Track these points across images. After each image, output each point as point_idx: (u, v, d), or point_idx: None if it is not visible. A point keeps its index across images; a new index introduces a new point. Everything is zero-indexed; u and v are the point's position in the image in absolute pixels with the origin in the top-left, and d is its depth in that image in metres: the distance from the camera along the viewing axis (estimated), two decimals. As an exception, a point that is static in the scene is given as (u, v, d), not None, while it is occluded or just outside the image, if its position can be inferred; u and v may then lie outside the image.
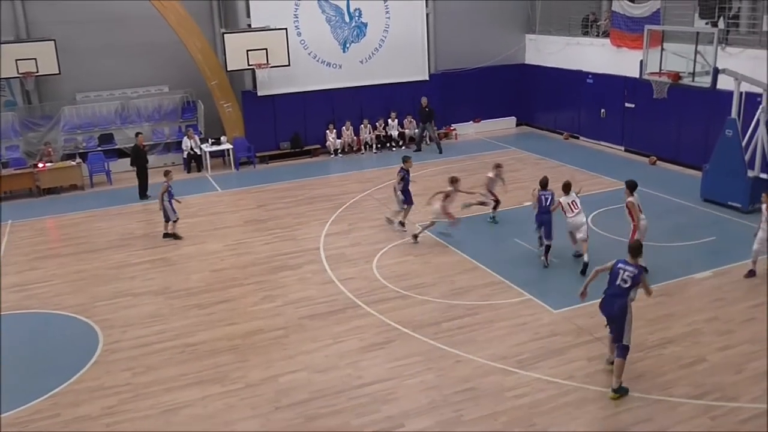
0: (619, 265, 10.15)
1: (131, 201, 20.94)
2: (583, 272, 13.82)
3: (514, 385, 10.55)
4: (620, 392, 10.04)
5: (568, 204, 14.48)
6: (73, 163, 22.56)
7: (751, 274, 13.86)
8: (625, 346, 10.01)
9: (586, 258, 14.27)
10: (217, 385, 10.89)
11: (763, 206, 13.68)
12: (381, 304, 13.42)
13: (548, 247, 14.82)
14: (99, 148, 24.17)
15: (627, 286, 9.97)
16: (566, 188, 14.61)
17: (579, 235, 14.68)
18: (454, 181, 16.60)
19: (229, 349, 12.03)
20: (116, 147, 24.58)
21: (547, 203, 14.78)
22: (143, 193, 21.30)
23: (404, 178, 17.17)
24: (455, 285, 14.15)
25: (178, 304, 13.88)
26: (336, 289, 14.24)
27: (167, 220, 17.57)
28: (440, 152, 25.42)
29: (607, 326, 10.43)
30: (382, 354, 11.66)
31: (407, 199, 17.36)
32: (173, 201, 17.54)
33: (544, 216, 14.79)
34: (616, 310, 10.05)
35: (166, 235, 17.60)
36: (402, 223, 17.47)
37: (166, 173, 17.54)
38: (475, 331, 12.23)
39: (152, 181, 21.02)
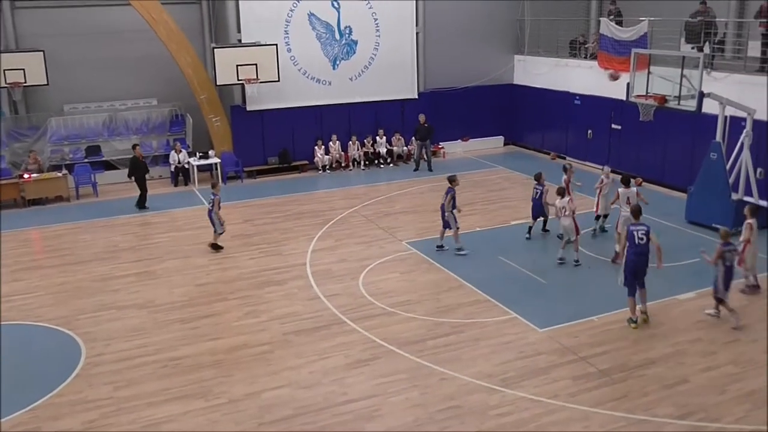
0: (632, 228, 12.86)
1: (117, 213, 20.83)
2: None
3: (498, 403, 10.54)
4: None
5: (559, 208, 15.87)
6: (59, 174, 22.45)
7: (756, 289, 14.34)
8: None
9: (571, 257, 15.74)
10: (200, 400, 10.81)
11: (748, 222, 13.93)
12: (367, 320, 13.39)
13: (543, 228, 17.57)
14: (86, 160, 24.07)
15: (644, 241, 12.71)
16: (561, 192, 15.98)
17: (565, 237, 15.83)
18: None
19: (213, 364, 11.95)
20: (103, 159, 24.47)
21: (537, 195, 17.21)
22: (142, 204, 21.23)
23: (454, 197, 16.65)
24: (441, 303, 14.15)
25: (162, 317, 13.80)
26: (322, 305, 14.21)
27: (217, 231, 17.52)
28: (430, 170, 25.44)
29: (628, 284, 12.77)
30: (367, 371, 11.62)
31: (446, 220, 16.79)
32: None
33: (535, 203, 17.37)
34: (643, 264, 12.79)
35: (215, 246, 17.54)
36: (460, 248, 16.86)
37: (214, 185, 17.52)
38: (460, 349, 12.22)
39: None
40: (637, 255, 12.70)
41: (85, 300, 14.75)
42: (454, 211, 16.59)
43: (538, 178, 17.69)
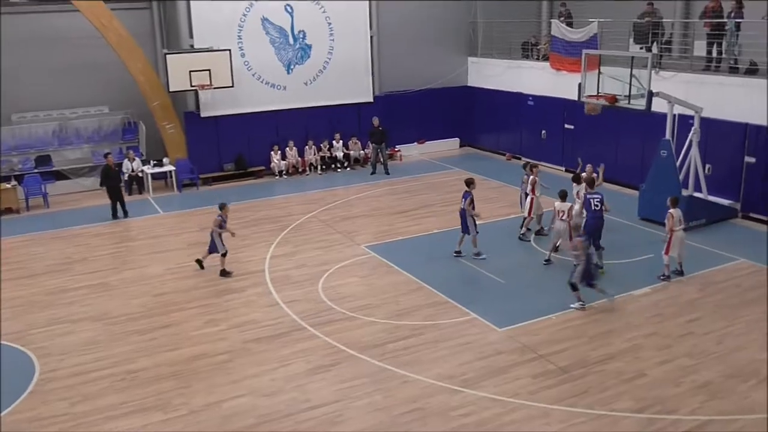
0: (588, 196, 15.40)
1: (70, 224, 20.44)
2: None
3: (460, 404, 10.59)
4: None
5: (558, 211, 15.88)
6: (8, 185, 21.92)
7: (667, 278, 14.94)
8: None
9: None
10: (160, 413, 10.66)
11: (670, 212, 14.79)
12: (327, 326, 13.35)
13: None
14: (36, 170, 23.51)
15: (599, 207, 15.32)
16: (563, 196, 15.89)
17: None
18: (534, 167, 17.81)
19: (172, 375, 11.79)
20: (54, 169, 23.99)
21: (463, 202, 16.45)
22: (116, 213, 20.90)
23: (473, 201, 16.44)
24: (400, 305, 14.17)
25: (118, 330, 13.57)
26: (281, 311, 14.12)
27: (212, 252, 16.33)
28: (387, 173, 25.49)
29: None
30: (329, 376, 11.58)
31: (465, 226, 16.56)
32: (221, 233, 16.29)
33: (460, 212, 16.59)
34: (600, 226, 15.36)
35: (224, 273, 16.23)
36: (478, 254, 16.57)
37: (222, 206, 16.50)
38: (420, 352, 12.25)
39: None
40: (595, 219, 15.25)
41: (38, 314, 14.43)
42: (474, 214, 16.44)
43: (468, 183, 16.72)
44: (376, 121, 25.83)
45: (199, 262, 16.58)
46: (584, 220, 15.43)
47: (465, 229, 16.51)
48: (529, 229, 17.92)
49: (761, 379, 10.89)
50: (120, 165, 23.41)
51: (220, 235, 16.21)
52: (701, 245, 16.85)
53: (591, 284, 13.57)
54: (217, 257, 16.28)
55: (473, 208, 16.40)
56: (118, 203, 20.98)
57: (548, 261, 16.01)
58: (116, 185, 21.01)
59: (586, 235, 14.02)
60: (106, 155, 21.64)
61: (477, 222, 16.54)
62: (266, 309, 14.27)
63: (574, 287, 13.55)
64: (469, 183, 16.68)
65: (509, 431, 9.85)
